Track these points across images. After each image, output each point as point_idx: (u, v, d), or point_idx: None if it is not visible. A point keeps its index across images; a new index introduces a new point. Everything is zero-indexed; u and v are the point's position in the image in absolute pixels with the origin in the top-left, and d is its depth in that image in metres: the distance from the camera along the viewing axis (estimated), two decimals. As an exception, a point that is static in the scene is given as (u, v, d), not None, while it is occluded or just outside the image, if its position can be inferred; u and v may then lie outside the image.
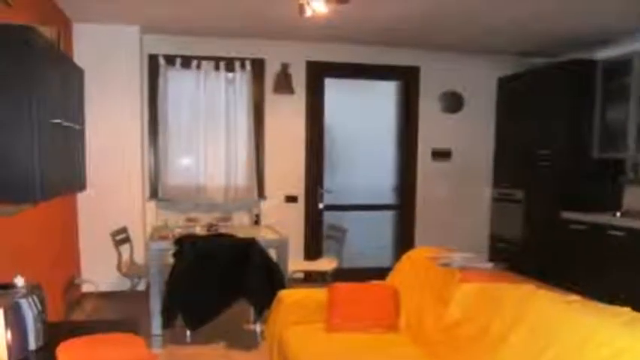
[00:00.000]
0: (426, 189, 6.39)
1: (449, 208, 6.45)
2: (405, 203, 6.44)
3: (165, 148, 5.74)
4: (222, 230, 4.61)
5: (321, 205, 6.14)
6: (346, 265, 5.17)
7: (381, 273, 3.73)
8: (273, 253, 4.41)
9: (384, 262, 5.74)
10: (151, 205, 5.73)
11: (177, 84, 5.76)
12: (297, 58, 6.00)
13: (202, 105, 5.77)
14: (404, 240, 6.33)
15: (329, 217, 6.12)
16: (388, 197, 6.50)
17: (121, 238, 4.89)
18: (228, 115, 5.81)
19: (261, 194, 5.93)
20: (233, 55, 5.83)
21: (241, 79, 5.88)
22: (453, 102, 6.39)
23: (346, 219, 5.92)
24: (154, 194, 5.76)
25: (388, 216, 6.56)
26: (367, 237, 6.37)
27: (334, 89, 6.21)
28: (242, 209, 5.90)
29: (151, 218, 5.68)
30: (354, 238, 5.31)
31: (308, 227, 6.10)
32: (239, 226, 5.54)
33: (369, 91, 6.50)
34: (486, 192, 6.55)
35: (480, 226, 6.53)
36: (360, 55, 6.08)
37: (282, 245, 4.48)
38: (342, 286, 3.34)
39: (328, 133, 6.24)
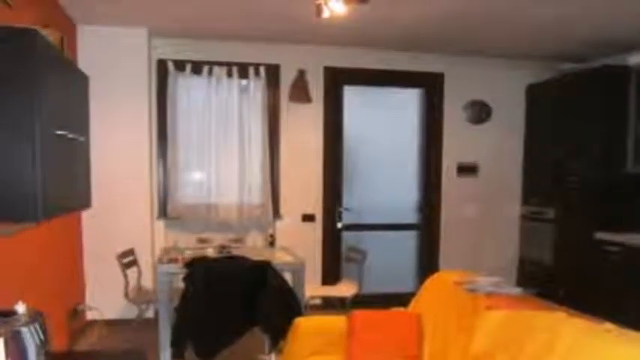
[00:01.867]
0: (450, 207, 6.36)
1: (475, 228, 6.42)
2: (428, 222, 6.40)
3: (175, 162, 5.71)
4: (235, 252, 4.59)
5: (339, 225, 6.12)
6: (366, 289, 5.12)
7: (403, 299, 3.72)
8: (288, 277, 4.41)
9: (407, 287, 5.70)
10: (160, 224, 5.71)
11: (188, 92, 5.76)
12: (314, 63, 5.99)
13: (214, 115, 5.75)
14: (427, 262, 6.31)
15: (348, 238, 6.10)
16: (410, 215, 6.45)
17: (128, 260, 4.88)
18: (242, 126, 5.79)
19: (276, 213, 5.90)
20: (246, 60, 5.80)
21: (255, 87, 5.86)
22: (479, 112, 6.36)
23: (365, 239, 5.91)
24: (162, 213, 5.73)
25: (410, 236, 6.50)
26: (388, 259, 6.24)
27: (353, 97, 6.20)
28: (256, 229, 5.88)
29: (160, 239, 5.65)
30: (374, 261, 5.27)
31: (326, 249, 6.08)
32: (253, 247, 5.52)
33: (390, 99, 6.45)
34: (515, 210, 6.48)
35: (507, 247, 6.48)
36: (380, 60, 6.09)
37: (298, 269, 4.47)
38: (362, 314, 3.32)
39: (346, 145, 6.20)
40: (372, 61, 6.06)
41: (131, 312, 5.05)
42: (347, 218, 6.13)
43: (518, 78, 6.39)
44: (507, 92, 6.41)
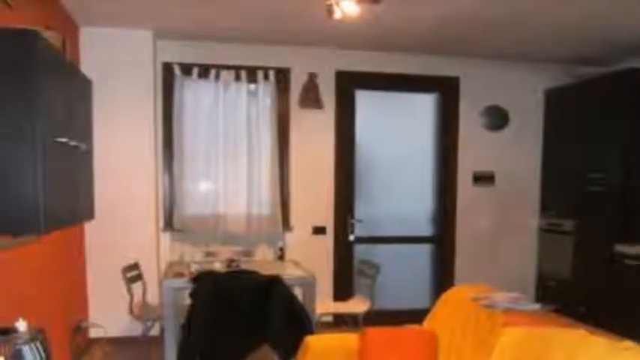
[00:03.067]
0: (466, 218, 6.33)
1: (492, 240, 6.38)
2: (443, 235, 6.36)
3: (181, 171, 5.70)
4: (244, 266, 4.58)
5: (351, 237, 6.11)
6: (379, 305, 5.13)
7: (417, 315, 3.71)
8: (299, 293, 4.41)
9: (421, 303, 5.58)
10: (165, 236, 5.67)
11: (194, 97, 5.73)
12: (325, 67, 5.96)
13: (221, 121, 5.73)
14: (442, 277, 6.29)
15: (360, 251, 6.09)
16: (424, 227, 6.42)
17: (133, 275, 4.88)
18: (250, 133, 5.78)
19: (286, 225, 5.87)
20: (255, 64, 5.79)
21: (264, 92, 5.83)
22: (497, 118, 6.35)
23: (379, 252, 5.91)
24: (168, 224, 5.70)
25: (425, 248, 6.48)
26: (402, 273, 6.20)
27: (365, 103, 6.17)
28: (265, 241, 5.86)
29: (165, 252, 5.63)
30: (387, 275, 5.26)
31: (337, 263, 6.07)
32: (262, 261, 5.55)
33: (404, 104, 6.43)
34: (533, 222, 6.44)
35: (526, 261, 6.44)
36: (393, 64, 6.06)
37: (309, 284, 4.47)
38: (375, 331, 3.31)
39: (359, 152, 6.18)
40: (385, 65, 6.04)
41: (135, 329, 5.03)
42: (359, 230, 6.11)
43: (536, 82, 6.37)
44: (525, 97, 6.38)
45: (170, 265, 4.95)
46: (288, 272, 4.56)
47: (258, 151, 5.80)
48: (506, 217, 6.39)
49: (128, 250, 5.13)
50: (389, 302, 5.65)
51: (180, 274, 4.38)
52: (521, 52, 5.95)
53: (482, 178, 6.29)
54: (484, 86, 6.29)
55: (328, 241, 6.04)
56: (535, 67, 6.32)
